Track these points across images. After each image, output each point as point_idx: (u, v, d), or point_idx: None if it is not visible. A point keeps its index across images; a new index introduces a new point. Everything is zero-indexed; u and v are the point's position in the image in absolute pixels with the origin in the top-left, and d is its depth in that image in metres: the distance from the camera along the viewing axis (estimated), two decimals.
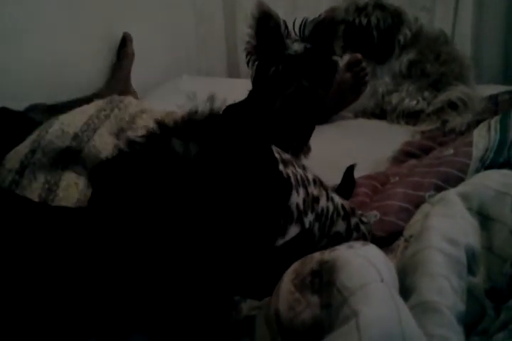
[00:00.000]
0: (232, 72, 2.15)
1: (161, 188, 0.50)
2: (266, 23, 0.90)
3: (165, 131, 0.55)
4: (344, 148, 1.32)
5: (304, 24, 0.91)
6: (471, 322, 0.60)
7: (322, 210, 0.68)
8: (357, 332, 0.40)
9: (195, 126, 0.55)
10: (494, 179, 0.69)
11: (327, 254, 0.50)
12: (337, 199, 0.73)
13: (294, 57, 0.89)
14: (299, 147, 1.00)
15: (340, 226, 0.72)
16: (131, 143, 0.55)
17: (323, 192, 0.69)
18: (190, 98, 0.60)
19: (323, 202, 0.68)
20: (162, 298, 0.54)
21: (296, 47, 0.90)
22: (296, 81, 0.89)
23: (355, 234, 0.74)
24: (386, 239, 0.87)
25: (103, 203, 0.55)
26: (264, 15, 0.90)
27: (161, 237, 0.50)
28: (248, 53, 0.95)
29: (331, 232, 0.71)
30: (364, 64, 1.47)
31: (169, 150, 0.52)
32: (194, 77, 1.88)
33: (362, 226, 0.76)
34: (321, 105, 0.93)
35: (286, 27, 0.91)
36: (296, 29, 0.92)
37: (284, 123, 0.93)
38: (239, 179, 0.51)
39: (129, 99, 0.84)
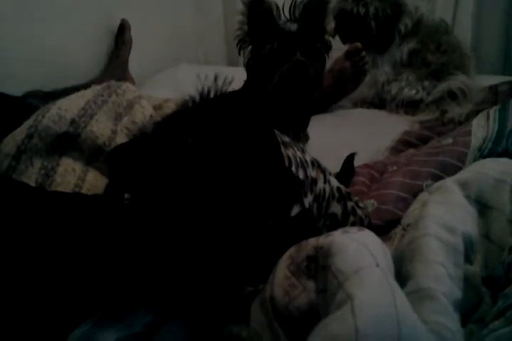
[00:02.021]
0: (231, 62, 2.14)
1: (176, 169, 0.50)
2: (257, 8, 0.90)
3: (177, 115, 0.56)
4: (343, 137, 1.31)
5: (293, 5, 0.91)
6: (468, 310, 0.60)
7: (319, 191, 0.68)
8: (352, 315, 0.40)
9: (204, 110, 0.56)
10: (492, 167, 0.69)
11: (322, 239, 0.50)
12: (334, 182, 0.74)
13: (288, 34, 0.89)
14: (297, 134, 1.00)
15: (336, 207, 0.72)
16: (144, 127, 0.56)
17: (321, 175, 0.69)
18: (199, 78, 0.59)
19: (320, 184, 0.68)
20: (171, 272, 0.55)
21: (290, 25, 0.90)
22: (291, 56, 0.89)
23: (352, 218, 0.74)
24: (383, 228, 0.87)
25: (121, 185, 0.56)
26: (255, 1, 0.90)
27: (178, 215, 0.51)
28: (240, 41, 0.95)
29: (327, 213, 0.71)
30: (364, 53, 1.46)
31: (182, 133, 0.52)
32: (192, 65, 1.86)
33: (359, 211, 0.76)
34: (318, 79, 0.93)
35: (278, 9, 0.91)
36: (286, 11, 0.92)
37: (283, 102, 0.93)
38: (247, 162, 0.52)
39: (126, 85, 0.84)
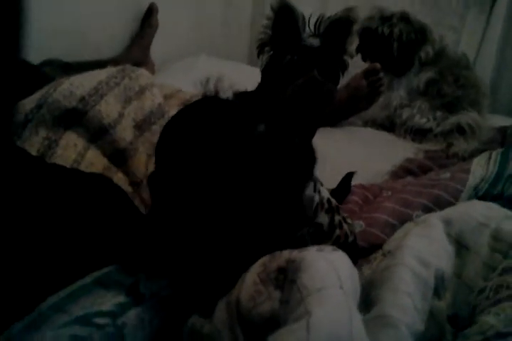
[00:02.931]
0: (253, 60, 2.14)
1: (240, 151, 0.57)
2: (284, 16, 0.91)
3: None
4: (346, 154, 1.32)
5: (320, 20, 0.92)
6: None
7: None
8: (306, 330, 0.41)
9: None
10: (478, 210, 0.70)
11: (295, 254, 0.52)
12: (325, 193, 0.75)
13: (309, 49, 0.91)
14: None
15: (324, 218, 0.73)
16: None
17: (311, 183, 0.71)
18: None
19: (309, 191, 0.69)
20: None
21: (312, 41, 0.91)
22: (309, 72, 0.90)
23: (337, 231, 0.75)
24: (367, 250, 0.88)
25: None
26: (283, 8, 0.91)
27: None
28: (261, 44, 0.96)
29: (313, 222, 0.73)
30: (381, 74, 1.47)
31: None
32: (212, 57, 1.87)
33: (345, 226, 0.77)
34: (329, 99, 0.95)
35: (304, 22, 0.93)
36: (312, 25, 0.94)
37: (291, 113, 0.95)
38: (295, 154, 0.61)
39: (141, 71, 0.85)
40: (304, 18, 0.93)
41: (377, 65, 1.48)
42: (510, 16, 1.78)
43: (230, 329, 0.52)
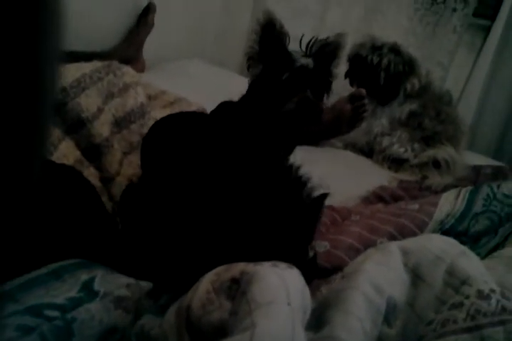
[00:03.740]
0: (244, 70, 2.14)
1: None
2: (269, 33, 0.93)
3: None
4: (323, 174, 1.33)
5: (313, 42, 0.94)
6: None
7: None
8: None
9: None
10: (437, 244, 0.72)
11: (250, 266, 0.52)
12: None
13: (305, 69, 0.92)
14: None
15: None
16: None
17: None
18: None
19: None
20: None
21: (305, 61, 0.93)
22: (303, 91, 0.92)
23: None
24: (329, 271, 0.88)
25: None
26: (269, 24, 0.93)
27: None
28: (249, 58, 0.97)
29: None
30: (366, 100, 1.50)
31: None
32: (205, 63, 1.87)
33: None
34: (318, 119, 0.96)
35: (289, 38, 0.94)
36: (303, 45, 0.96)
37: (282, 129, 0.96)
38: None
39: (127, 68, 0.85)
40: (289, 37, 0.94)
41: (363, 91, 1.51)
42: (498, 57, 1.83)
43: (178, 335, 0.52)
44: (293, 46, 0.96)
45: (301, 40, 0.95)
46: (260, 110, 0.96)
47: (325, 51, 0.94)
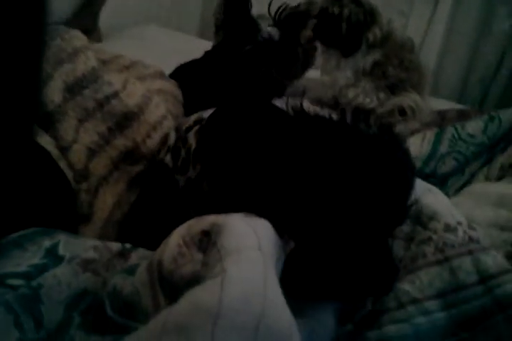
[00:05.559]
0: (203, 34, 2.11)
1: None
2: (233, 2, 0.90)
3: None
4: None
5: (282, 9, 0.91)
6: None
7: None
8: (220, 287, 0.42)
9: None
10: None
11: (221, 218, 0.52)
12: None
13: (269, 42, 0.90)
14: None
15: None
16: None
17: None
18: None
19: None
20: None
21: (272, 31, 0.90)
22: (266, 67, 0.90)
23: None
24: None
25: None
26: None
27: None
28: (216, 27, 0.95)
29: None
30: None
31: None
32: (162, 28, 1.84)
33: None
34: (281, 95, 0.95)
35: (251, 5, 0.91)
36: (272, 11, 0.93)
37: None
38: None
39: (76, 32, 0.82)
40: (251, 5, 0.91)
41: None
42: (457, 1, 1.83)
43: (151, 289, 0.52)
44: (261, 10, 0.93)
45: (269, 4, 0.92)
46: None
47: (293, 19, 0.91)
